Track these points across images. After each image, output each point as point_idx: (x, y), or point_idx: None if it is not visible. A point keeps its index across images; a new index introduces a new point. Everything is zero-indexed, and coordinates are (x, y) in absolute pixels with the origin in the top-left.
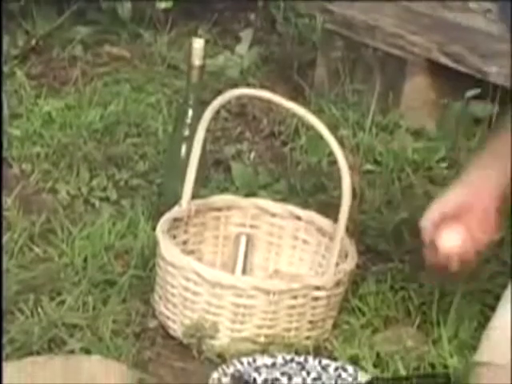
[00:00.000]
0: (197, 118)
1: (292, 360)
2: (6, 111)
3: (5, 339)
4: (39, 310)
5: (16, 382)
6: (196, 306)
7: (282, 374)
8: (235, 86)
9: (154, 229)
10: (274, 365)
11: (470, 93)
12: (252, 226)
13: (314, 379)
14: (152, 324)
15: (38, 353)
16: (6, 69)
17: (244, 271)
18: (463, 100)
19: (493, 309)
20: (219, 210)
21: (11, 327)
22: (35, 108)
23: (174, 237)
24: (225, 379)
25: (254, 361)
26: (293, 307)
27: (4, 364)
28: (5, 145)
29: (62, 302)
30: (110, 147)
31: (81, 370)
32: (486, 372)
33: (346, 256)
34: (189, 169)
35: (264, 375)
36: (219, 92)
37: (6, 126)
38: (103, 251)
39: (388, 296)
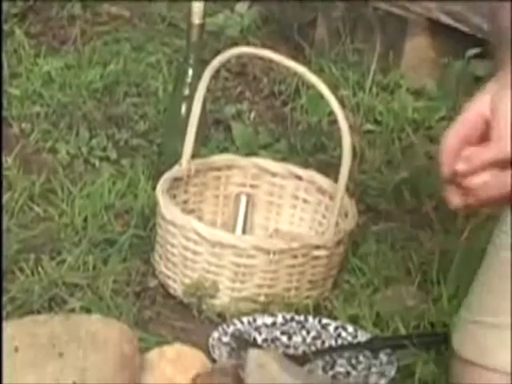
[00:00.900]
0: (197, 77)
1: (292, 319)
2: (5, 71)
3: (5, 298)
4: (39, 269)
5: (17, 340)
6: (196, 265)
7: (282, 333)
8: (235, 44)
9: (154, 188)
10: (274, 324)
11: (471, 52)
12: (252, 186)
13: (314, 338)
14: (152, 283)
15: (39, 312)
16: (5, 27)
17: (244, 231)
18: (464, 59)
19: None
20: (219, 169)
21: (12, 286)
22: (35, 67)
23: (174, 196)
24: (225, 338)
25: (254, 320)
26: (293, 266)
27: (4, 323)
28: (4, 104)
29: (63, 262)
30: (109, 107)
31: (81, 328)
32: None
33: (347, 215)
34: (189, 128)
35: (264, 334)
36: (219, 51)
37: (6, 86)
38: (103, 211)
39: (388, 255)
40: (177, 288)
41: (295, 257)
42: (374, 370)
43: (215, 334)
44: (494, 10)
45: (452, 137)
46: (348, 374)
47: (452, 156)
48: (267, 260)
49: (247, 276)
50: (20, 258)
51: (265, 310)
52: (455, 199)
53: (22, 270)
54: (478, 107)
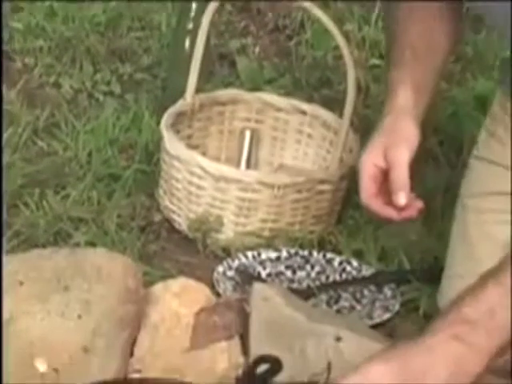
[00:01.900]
0: (201, 11)
1: (296, 254)
2: (7, 4)
3: (10, 232)
4: (44, 203)
5: (21, 274)
6: (201, 200)
7: (287, 267)
8: None
9: (158, 123)
10: (278, 258)
11: None
12: (257, 121)
13: (318, 273)
14: (157, 218)
15: (44, 246)
16: None
17: (248, 165)
18: None
19: None
20: (224, 104)
21: (16, 220)
22: (37, 1)
23: (179, 131)
24: (229, 272)
25: (259, 254)
26: (297, 201)
27: (9, 257)
28: (6, 38)
29: (67, 196)
30: (113, 41)
31: (86, 262)
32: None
33: (351, 150)
34: (193, 62)
35: (268, 269)
36: None
37: (8, 20)
38: (107, 145)
39: None
40: (181, 222)
41: (299, 191)
42: (378, 304)
43: (220, 269)
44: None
45: (365, 193)
46: (352, 308)
47: (375, 200)
48: (271, 194)
49: (252, 210)
50: (24, 192)
51: (269, 244)
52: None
53: (26, 204)
54: (373, 160)
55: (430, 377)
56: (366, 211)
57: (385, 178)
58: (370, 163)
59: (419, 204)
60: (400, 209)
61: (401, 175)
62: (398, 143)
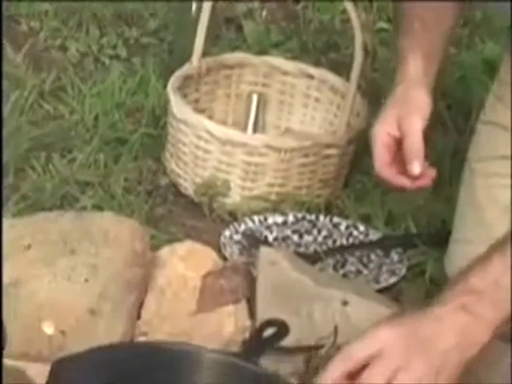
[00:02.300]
0: None
1: (303, 218)
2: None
3: (17, 196)
4: (50, 167)
5: (28, 237)
6: (207, 163)
7: (293, 231)
8: None
9: (165, 87)
10: (285, 223)
11: None
12: (264, 85)
13: (325, 237)
14: (163, 182)
15: (50, 209)
16: None
17: (255, 129)
18: None
19: None
20: (231, 67)
21: (23, 184)
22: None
23: (185, 95)
24: (236, 237)
25: (265, 219)
26: (304, 165)
27: (17, 220)
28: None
29: (74, 160)
30: (119, 4)
31: (92, 226)
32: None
33: (358, 114)
34: (199, 26)
35: (275, 233)
36: None
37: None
38: (114, 109)
39: None
40: (188, 186)
41: (306, 155)
42: (384, 268)
43: (226, 233)
44: None
45: (378, 162)
46: (359, 272)
47: (389, 169)
48: (278, 158)
49: (258, 175)
50: (31, 155)
51: (276, 208)
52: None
53: (33, 167)
54: (386, 130)
55: (437, 345)
56: (377, 179)
57: (398, 147)
58: (383, 132)
59: (432, 173)
60: (414, 178)
61: (414, 144)
62: (410, 112)
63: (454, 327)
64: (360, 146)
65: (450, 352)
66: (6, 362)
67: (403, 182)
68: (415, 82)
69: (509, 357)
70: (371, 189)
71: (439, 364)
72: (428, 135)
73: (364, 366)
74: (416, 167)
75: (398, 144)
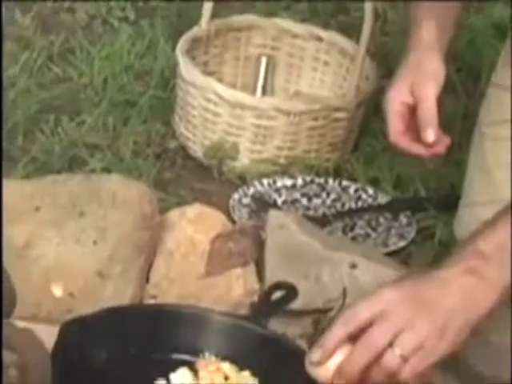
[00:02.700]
0: None
1: (312, 181)
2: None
3: (26, 158)
4: (59, 129)
5: (37, 200)
6: (216, 127)
7: (302, 195)
8: None
9: (173, 49)
10: (293, 186)
11: None
12: (273, 47)
13: (334, 200)
14: (172, 145)
15: (59, 172)
16: None
17: (264, 92)
18: None
19: None
20: (239, 30)
21: (32, 146)
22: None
23: (194, 57)
24: (245, 200)
25: (274, 182)
26: (313, 129)
27: (26, 182)
28: None
29: (82, 122)
30: None
31: (101, 188)
32: None
33: (368, 78)
34: None
35: (284, 196)
36: None
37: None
38: (123, 71)
39: None
40: (197, 150)
41: (316, 119)
42: (393, 231)
43: (235, 196)
44: None
45: (392, 130)
46: (367, 235)
47: (403, 137)
48: (287, 122)
49: (267, 138)
50: (40, 118)
51: (285, 171)
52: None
53: (42, 130)
54: (400, 97)
55: (442, 306)
56: (391, 147)
57: (412, 114)
58: (396, 100)
59: (447, 140)
60: (428, 145)
61: (429, 111)
62: (424, 79)
63: (459, 289)
64: (369, 109)
65: (455, 313)
66: (17, 323)
67: (418, 149)
68: (429, 48)
69: None
70: (380, 152)
71: (444, 324)
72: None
73: (367, 328)
74: (430, 135)
75: (412, 111)
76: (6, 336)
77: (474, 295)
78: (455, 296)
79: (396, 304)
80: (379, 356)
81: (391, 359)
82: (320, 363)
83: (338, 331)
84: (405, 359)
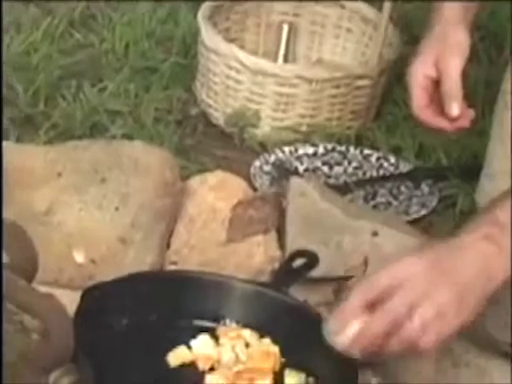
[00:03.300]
0: None
1: (333, 149)
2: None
3: (48, 124)
4: (81, 95)
5: (60, 165)
6: (238, 94)
7: (324, 163)
8: None
9: (195, 15)
10: (315, 154)
11: None
12: (295, 14)
13: (355, 168)
14: (194, 112)
15: (80, 138)
16: None
17: (286, 60)
18: None
19: None
20: None
21: (54, 112)
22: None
23: (216, 24)
24: (266, 168)
25: (296, 150)
26: (335, 96)
27: (48, 147)
28: None
29: (104, 89)
30: None
31: (123, 154)
32: None
33: (391, 45)
34: None
35: (305, 164)
36: None
37: None
38: (144, 38)
39: None
40: (218, 117)
41: (338, 87)
42: (415, 200)
43: (256, 163)
44: None
45: (416, 104)
46: (389, 204)
47: (427, 111)
48: (309, 89)
49: (289, 105)
50: (61, 84)
51: (306, 139)
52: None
53: (63, 96)
54: (424, 71)
55: (461, 275)
56: (416, 121)
57: (436, 87)
58: (420, 73)
59: (471, 113)
60: (452, 119)
61: (453, 85)
62: (449, 51)
63: (477, 256)
64: (392, 77)
65: (474, 281)
66: (39, 287)
67: (441, 123)
68: (454, 20)
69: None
70: (402, 120)
71: (463, 292)
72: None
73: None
74: (455, 109)
75: (436, 84)
76: (28, 301)
77: (492, 262)
78: (474, 263)
79: (416, 273)
80: (398, 325)
81: (410, 329)
82: (337, 332)
83: (356, 300)
84: (424, 328)
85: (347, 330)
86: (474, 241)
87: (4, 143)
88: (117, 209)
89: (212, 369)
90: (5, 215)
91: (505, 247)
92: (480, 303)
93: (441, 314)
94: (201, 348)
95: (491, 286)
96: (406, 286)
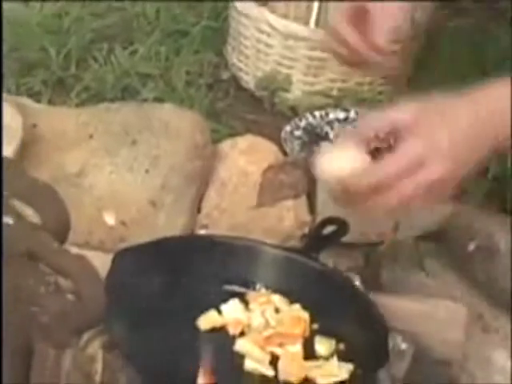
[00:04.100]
0: None
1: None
2: None
3: (79, 86)
4: (112, 58)
5: (91, 127)
6: (269, 58)
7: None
8: None
9: None
10: (346, 119)
11: None
12: None
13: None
14: (225, 75)
15: (112, 101)
16: None
17: (317, 24)
18: None
19: None
20: None
21: (85, 75)
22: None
23: None
24: (297, 132)
25: (327, 114)
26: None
27: (79, 110)
28: None
29: (135, 52)
30: None
31: (154, 117)
32: None
33: (423, 9)
34: None
35: (336, 129)
36: None
37: None
38: (175, 1)
39: (464, 53)
40: (249, 80)
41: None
42: None
43: (287, 128)
44: None
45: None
46: None
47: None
48: None
49: (320, 69)
50: (93, 47)
51: (337, 104)
52: None
53: (95, 59)
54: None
55: (452, 117)
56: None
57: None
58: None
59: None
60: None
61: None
62: None
63: (489, 104)
64: (424, 42)
65: (483, 124)
66: (71, 249)
67: (362, 47)
68: None
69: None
70: (434, 85)
71: (472, 136)
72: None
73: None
74: (380, 38)
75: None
76: (61, 262)
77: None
78: (484, 110)
79: (410, 111)
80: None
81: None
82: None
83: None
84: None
85: (343, 162)
86: (484, 95)
87: (36, 105)
88: (147, 171)
89: (242, 333)
90: (38, 176)
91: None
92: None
93: (455, 160)
94: (231, 312)
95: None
96: (415, 131)
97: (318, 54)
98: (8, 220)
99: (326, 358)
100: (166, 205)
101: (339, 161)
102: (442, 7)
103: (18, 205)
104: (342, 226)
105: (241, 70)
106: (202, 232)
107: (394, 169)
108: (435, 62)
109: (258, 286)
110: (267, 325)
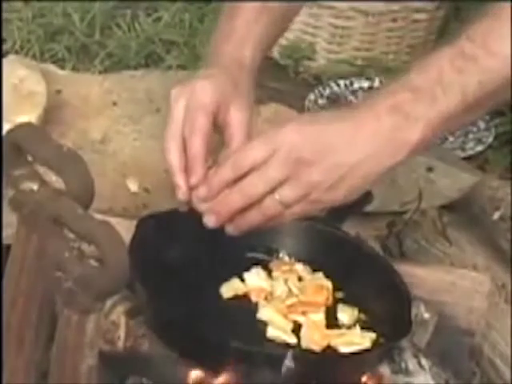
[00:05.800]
0: None
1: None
2: None
3: (103, 53)
4: (136, 25)
5: (115, 94)
6: (293, 26)
7: None
8: None
9: None
10: (370, 88)
11: None
12: None
13: None
14: None
15: (135, 68)
16: None
17: None
18: None
19: None
20: None
21: (109, 42)
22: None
23: None
24: (321, 101)
25: (351, 83)
26: (391, 30)
27: (103, 77)
28: None
29: (159, 19)
30: None
31: (178, 84)
32: None
33: None
34: None
35: (360, 98)
36: None
37: None
38: None
39: None
40: (273, 49)
41: (394, 20)
42: (471, 136)
43: (311, 96)
44: None
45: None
46: (445, 139)
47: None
48: (365, 22)
49: (345, 38)
50: (117, 13)
51: (362, 73)
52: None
53: (118, 25)
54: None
55: (346, 155)
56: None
57: None
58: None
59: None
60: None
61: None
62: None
63: (375, 133)
64: (449, 12)
65: (360, 162)
66: (96, 215)
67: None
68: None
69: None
70: None
71: (341, 175)
72: None
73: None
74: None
75: None
76: (85, 227)
77: (397, 134)
78: (367, 141)
79: (291, 147)
80: (257, 201)
81: (271, 205)
82: (205, 200)
83: (225, 174)
84: (286, 206)
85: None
86: (377, 114)
87: (61, 72)
88: None
89: (265, 301)
90: (62, 142)
91: (414, 115)
92: (362, 184)
93: (305, 196)
94: (254, 280)
95: (387, 163)
96: (275, 163)
97: (342, 22)
98: (32, 185)
99: (349, 327)
100: None
101: None
102: None
103: (43, 170)
104: (366, 195)
105: None
106: None
107: (236, 205)
108: (459, 31)
109: (281, 254)
110: (290, 293)
